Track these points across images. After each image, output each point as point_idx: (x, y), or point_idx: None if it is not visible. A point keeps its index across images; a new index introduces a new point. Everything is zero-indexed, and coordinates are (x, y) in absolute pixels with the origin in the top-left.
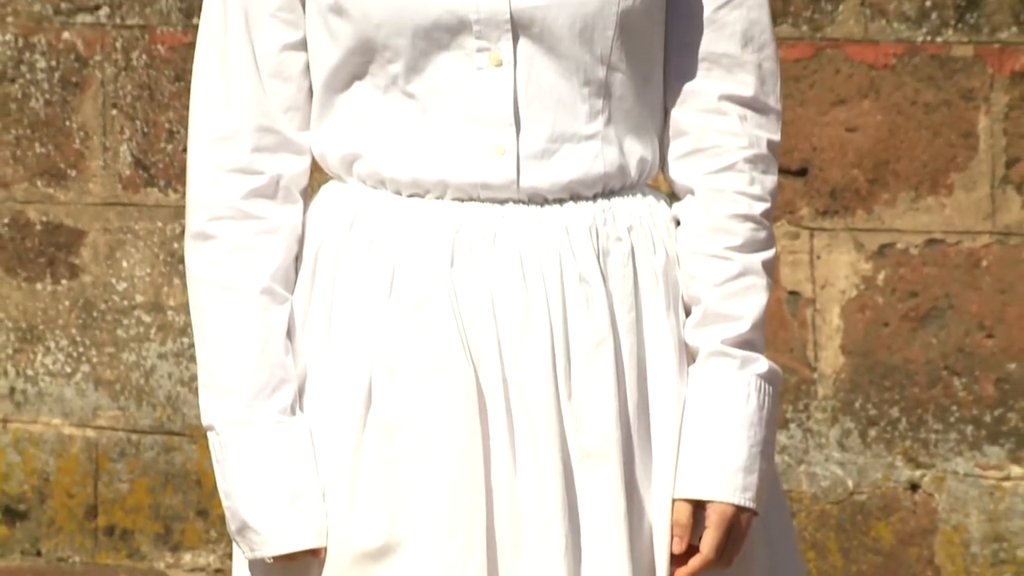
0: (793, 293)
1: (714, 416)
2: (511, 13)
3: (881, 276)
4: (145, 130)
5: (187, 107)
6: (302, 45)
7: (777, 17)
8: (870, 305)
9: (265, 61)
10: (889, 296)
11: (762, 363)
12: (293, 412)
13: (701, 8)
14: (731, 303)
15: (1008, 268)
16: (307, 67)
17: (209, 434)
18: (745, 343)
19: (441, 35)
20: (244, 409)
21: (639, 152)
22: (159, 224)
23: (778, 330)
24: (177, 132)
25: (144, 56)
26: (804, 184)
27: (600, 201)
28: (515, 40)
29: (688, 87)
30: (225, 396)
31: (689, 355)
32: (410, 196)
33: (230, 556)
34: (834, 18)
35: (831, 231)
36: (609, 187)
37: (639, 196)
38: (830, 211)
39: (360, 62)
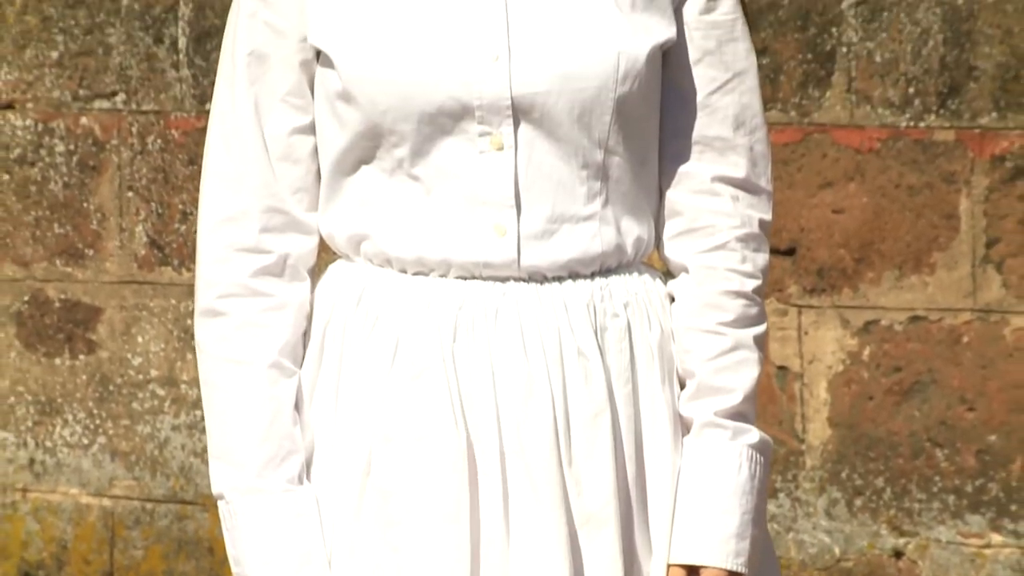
0: (782, 368)
1: (708, 485)
2: (512, 99)
3: (866, 352)
4: (160, 211)
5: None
6: (311, 129)
7: (767, 103)
8: (856, 379)
9: (274, 144)
10: (874, 371)
11: (753, 434)
12: (300, 481)
13: (694, 93)
14: (723, 376)
15: (988, 344)
16: (315, 150)
17: (220, 503)
18: (737, 415)
19: (445, 120)
20: (254, 479)
21: (635, 232)
22: (173, 302)
23: (767, 403)
24: (190, 213)
25: (159, 140)
26: (792, 263)
27: (598, 279)
28: (516, 125)
29: (682, 169)
30: (235, 466)
31: (684, 426)
32: (415, 274)
33: None
34: (821, 104)
35: (818, 308)
36: (606, 265)
37: (635, 274)
38: (817, 289)
39: (367, 146)
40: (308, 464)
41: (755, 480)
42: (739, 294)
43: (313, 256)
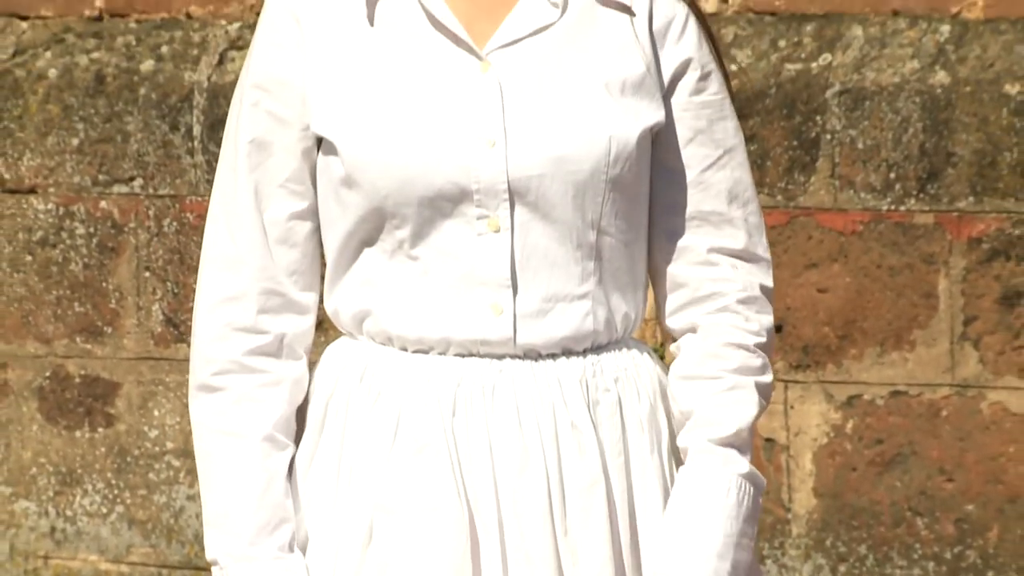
0: (769, 440)
1: (693, 506)
2: (509, 183)
3: (850, 425)
4: (175, 291)
5: (199, 270)
6: (308, 213)
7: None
8: (839, 451)
9: (273, 228)
10: (857, 443)
11: (744, 464)
12: (291, 550)
13: (687, 170)
14: (720, 410)
15: (966, 418)
16: (312, 233)
17: (213, 569)
18: (730, 445)
19: (444, 204)
20: (247, 547)
21: (624, 309)
22: (187, 377)
23: None
24: None
25: (175, 223)
26: (779, 340)
27: (590, 355)
28: (512, 207)
29: (680, 244)
30: (229, 534)
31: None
32: (415, 352)
33: None
34: (806, 188)
35: (804, 383)
36: (597, 342)
37: (624, 350)
38: (803, 365)
39: (370, 228)
40: (299, 534)
41: (742, 507)
42: (741, 346)
43: (309, 335)
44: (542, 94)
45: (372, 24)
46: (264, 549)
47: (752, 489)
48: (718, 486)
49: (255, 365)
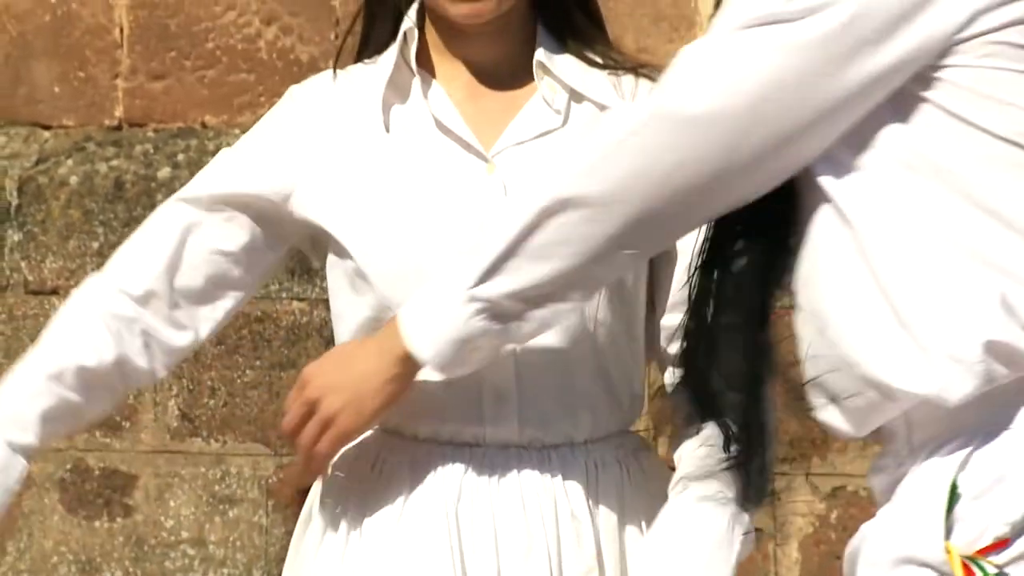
0: (757, 530)
1: (682, 528)
2: None
3: (834, 515)
4: (191, 388)
5: (228, 368)
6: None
7: None
8: (824, 540)
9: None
10: (841, 532)
11: (739, 511)
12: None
13: (677, 258)
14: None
15: None
16: (219, 282)
17: None
18: (725, 496)
19: None
20: None
21: (625, 401)
22: (202, 470)
23: (743, 563)
24: (218, 389)
25: None
26: None
27: (590, 445)
28: None
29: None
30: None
31: None
32: (424, 440)
33: None
34: (788, 291)
35: (790, 475)
36: (597, 434)
37: (623, 439)
38: (789, 458)
39: (378, 318)
40: None
41: (732, 539)
42: None
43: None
44: None
45: (388, 131)
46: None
47: (741, 528)
48: (710, 514)
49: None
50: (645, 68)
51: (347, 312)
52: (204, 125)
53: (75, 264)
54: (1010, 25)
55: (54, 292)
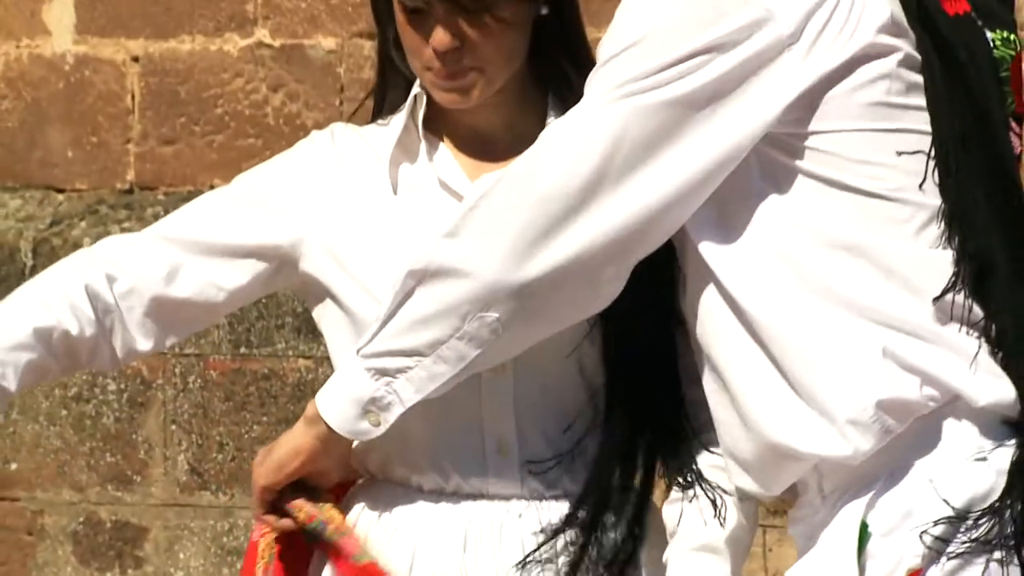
0: None
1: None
2: None
3: None
4: (200, 442)
5: (236, 423)
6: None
7: None
8: None
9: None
10: None
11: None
12: None
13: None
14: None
15: None
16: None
17: None
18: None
19: None
20: None
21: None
22: (211, 522)
23: None
24: (227, 444)
25: (199, 380)
26: None
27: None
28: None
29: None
30: None
31: None
32: (430, 492)
33: None
34: None
35: (781, 528)
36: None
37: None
38: (780, 511)
39: None
40: None
41: None
42: None
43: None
44: None
45: (396, 192)
46: None
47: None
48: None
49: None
50: None
51: (343, 339)
52: (213, 188)
53: None
54: (869, 84)
55: None
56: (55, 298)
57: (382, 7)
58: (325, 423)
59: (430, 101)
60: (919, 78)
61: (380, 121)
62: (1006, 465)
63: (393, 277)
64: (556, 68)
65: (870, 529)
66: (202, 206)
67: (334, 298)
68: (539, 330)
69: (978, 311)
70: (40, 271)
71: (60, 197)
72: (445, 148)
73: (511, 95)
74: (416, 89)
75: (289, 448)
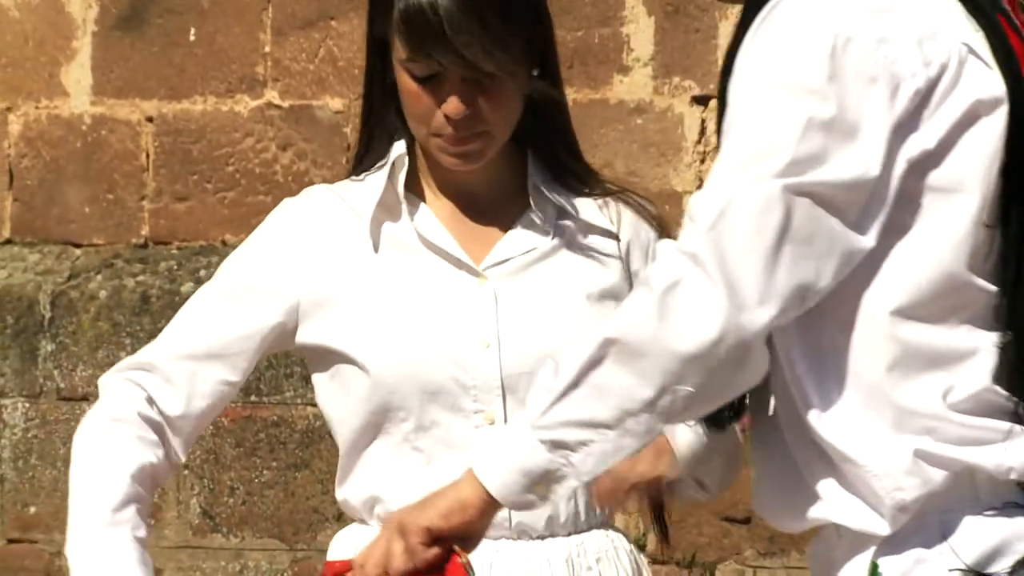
0: None
1: None
2: (502, 379)
3: None
4: (211, 487)
5: (247, 468)
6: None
7: None
8: None
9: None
10: None
11: None
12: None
13: None
14: None
15: None
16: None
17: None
18: None
19: (445, 398)
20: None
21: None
22: (222, 563)
23: None
24: (237, 488)
25: (211, 427)
26: (748, 530)
27: (573, 537)
28: (504, 401)
29: None
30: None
31: None
32: None
33: None
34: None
35: (771, 568)
36: (579, 527)
37: (604, 533)
38: (770, 552)
39: (378, 424)
40: None
41: None
42: None
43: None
44: (531, 302)
45: (376, 251)
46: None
47: None
48: None
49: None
50: (626, 192)
51: (343, 420)
52: (224, 243)
53: (104, 372)
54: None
55: (84, 399)
56: (126, 446)
57: (376, 74)
58: (485, 489)
59: (411, 161)
60: None
61: (354, 177)
62: (1019, 523)
63: (389, 330)
64: (540, 125)
65: (880, 570)
66: (201, 312)
67: (330, 354)
68: (720, 402)
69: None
70: (58, 323)
71: (77, 252)
72: (426, 208)
73: (496, 155)
74: (399, 151)
75: (456, 502)
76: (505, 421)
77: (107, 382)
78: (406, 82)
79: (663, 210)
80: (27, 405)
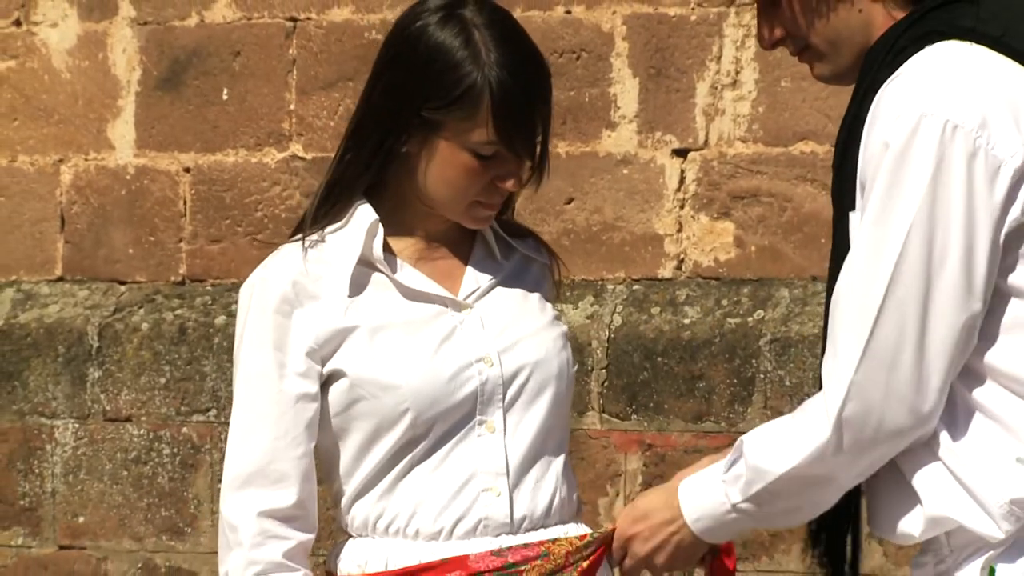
0: None
1: None
2: (504, 391)
3: None
4: None
5: None
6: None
7: (702, 418)
8: None
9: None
10: None
11: None
12: None
13: None
14: None
15: None
16: (309, 472)
17: None
18: None
19: (455, 413)
20: None
21: (575, 490)
22: None
23: None
24: None
25: None
26: None
27: (559, 526)
28: (505, 413)
29: None
30: None
31: None
32: (428, 539)
33: None
34: (744, 417)
35: (744, 572)
36: (563, 517)
37: (576, 525)
38: (743, 557)
39: (398, 443)
40: None
41: None
42: None
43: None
44: (508, 320)
45: (361, 294)
46: None
47: None
48: None
49: (290, 563)
50: (529, 229)
51: (352, 440)
52: None
53: (145, 396)
54: None
55: (128, 419)
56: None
57: (387, 145)
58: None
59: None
60: None
61: (310, 237)
62: None
63: (395, 360)
64: None
65: (997, 574)
66: (255, 431)
67: (339, 383)
68: None
69: None
70: (104, 352)
71: (122, 288)
72: (398, 259)
73: None
74: (369, 216)
75: (664, 538)
76: (504, 429)
77: (240, 523)
78: (465, 159)
79: (647, 250)
80: (77, 425)
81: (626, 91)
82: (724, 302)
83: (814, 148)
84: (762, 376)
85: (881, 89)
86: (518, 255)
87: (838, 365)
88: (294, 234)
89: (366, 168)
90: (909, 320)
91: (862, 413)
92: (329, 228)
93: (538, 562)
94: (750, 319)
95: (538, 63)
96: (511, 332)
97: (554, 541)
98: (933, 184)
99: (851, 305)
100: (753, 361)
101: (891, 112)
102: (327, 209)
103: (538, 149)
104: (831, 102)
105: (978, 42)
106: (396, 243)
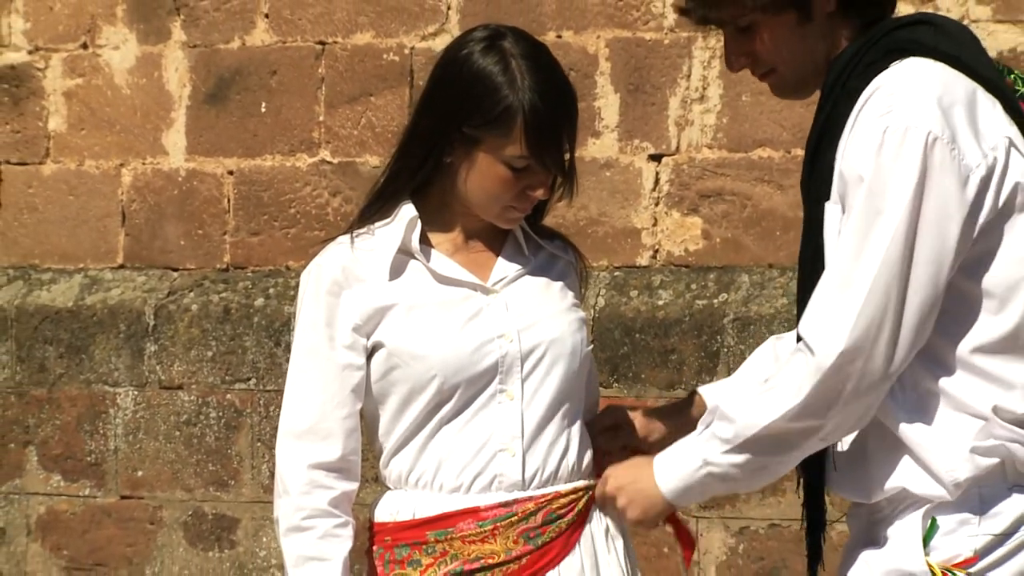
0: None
1: None
2: (521, 361)
3: (741, 547)
4: None
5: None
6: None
7: (673, 386)
8: (734, 565)
9: (349, 417)
10: (746, 559)
11: None
12: None
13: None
14: None
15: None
16: (356, 427)
17: None
18: None
19: (479, 380)
20: None
21: (587, 451)
22: None
23: None
24: None
25: (278, 409)
26: None
27: (569, 483)
28: (523, 382)
29: None
30: None
31: None
32: (451, 492)
33: None
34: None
35: (709, 518)
36: (571, 476)
37: (583, 482)
38: (709, 505)
39: (427, 406)
40: None
41: None
42: None
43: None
44: (531, 305)
45: (400, 278)
46: None
47: None
48: None
49: (334, 511)
50: (558, 232)
51: (389, 402)
52: (288, 267)
53: (195, 367)
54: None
55: (180, 387)
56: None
57: (433, 156)
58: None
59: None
60: None
61: (359, 230)
62: None
63: (432, 333)
64: None
65: (938, 523)
66: (309, 388)
67: (381, 353)
68: None
69: None
70: (159, 330)
71: (175, 274)
72: (434, 251)
73: None
74: (410, 212)
75: (641, 498)
76: (522, 396)
77: (292, 473)
78: (500, 171)
79: (626, 242)
80: (136, 393)
81: (609, 104)
82: (693, 286)
83: (771, 153)
84: (726, 350)
85: (861, 98)
86: (545, 252)
87: (831, 331)
88: (348, 230)
89: (413, 175)
90: (892, 298)
91: (849, 369)
92: (377, 224)
93: (542, 508)
94: (715, 301)
95: (565, 89)
96: (531, 314)
97: (557, 493)
98: (919, 188)
99: (845, 282)
100: (718, 337)
101: (877, 123)
102: (378, 207)
103: (566, 163)
104: (785, 114)
105: (939, 59)
106: (436, 237)
